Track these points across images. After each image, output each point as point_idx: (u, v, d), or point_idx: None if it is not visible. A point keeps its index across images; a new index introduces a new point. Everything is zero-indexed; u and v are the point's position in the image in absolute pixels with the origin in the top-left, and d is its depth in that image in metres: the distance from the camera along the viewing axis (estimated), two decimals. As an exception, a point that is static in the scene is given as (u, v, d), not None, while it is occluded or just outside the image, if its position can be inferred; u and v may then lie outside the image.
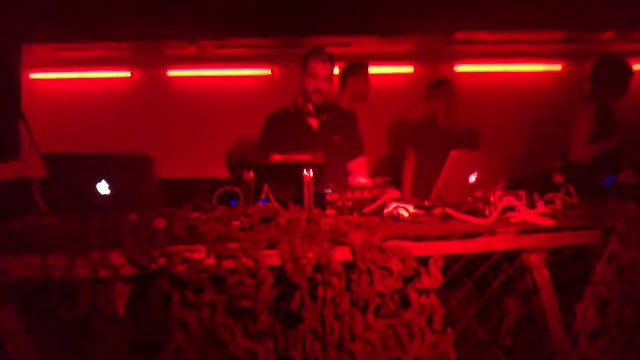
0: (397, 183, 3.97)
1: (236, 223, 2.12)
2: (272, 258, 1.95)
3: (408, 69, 6.40)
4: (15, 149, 2.50)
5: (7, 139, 2.42)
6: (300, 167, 2.49)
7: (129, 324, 1.92)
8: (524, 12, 5.42)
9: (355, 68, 4.64)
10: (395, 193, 2.74)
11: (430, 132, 4.59)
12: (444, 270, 2.05)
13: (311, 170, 2.48)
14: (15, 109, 2.44)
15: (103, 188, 2.30)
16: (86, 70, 6.25)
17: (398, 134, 5.16)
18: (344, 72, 4.64)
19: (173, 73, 6.35)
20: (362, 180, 3.00)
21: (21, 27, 2.48)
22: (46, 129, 2.79)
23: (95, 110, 6.09)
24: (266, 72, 6.41)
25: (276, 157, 2.59)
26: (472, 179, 2.68)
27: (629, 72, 4.26)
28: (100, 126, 5.93)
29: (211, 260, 1.90)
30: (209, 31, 5.62)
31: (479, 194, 2.48)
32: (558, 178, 3.35)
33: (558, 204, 2.56)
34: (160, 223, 2.08)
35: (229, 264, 1.91)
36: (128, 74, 6.36)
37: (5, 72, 2.40)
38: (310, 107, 3.44)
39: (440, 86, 4.64)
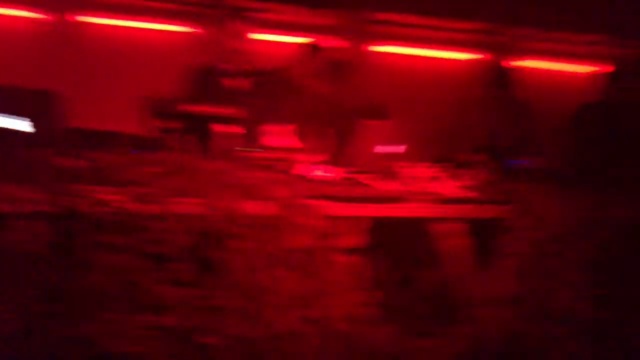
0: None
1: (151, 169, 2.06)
2: (187, 206, 1.91)
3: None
4: None
5: None
6: (220, 120, 2.46)
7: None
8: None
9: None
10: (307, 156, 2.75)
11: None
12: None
13: (229, 125, 2.45)
14: None
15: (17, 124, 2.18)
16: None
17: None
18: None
19: (89, 19, 6.06)
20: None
21: None
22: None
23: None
24: (186, 29, 6.23)
25: (196, 108, 2.55)
26: (397, 149, 2.73)
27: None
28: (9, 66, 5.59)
29: (126, 204, 1.85)
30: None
31: (403, 163, 2.53)
32: (476, 157, 3.44)
33: (479, 178, 2.63)
34: (79, 163, 2.01)
35: (143, 208, 1.86)
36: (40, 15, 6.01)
37: None
38: (228, 67, 3.43)
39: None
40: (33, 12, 5.95)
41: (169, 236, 1.85)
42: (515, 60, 6.64)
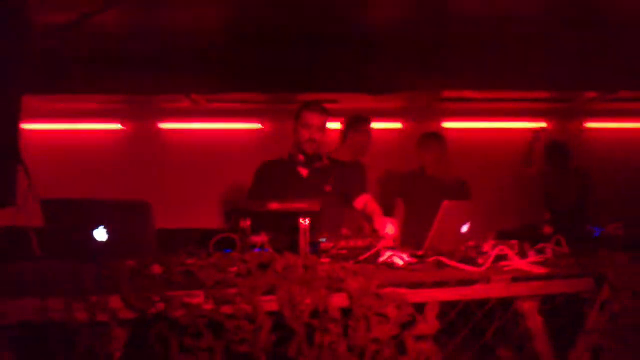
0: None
1: (233, 269, 2.14)
2: (270, 304, 1.96)
3: (397, 125, 6.53)
4: (12, 196, 2.51)
5: (4, 186, 2.43)
6: (296, 215, 2.52)
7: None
8: (509, 72, 5.59)
9: (356, 122, 4.70)
10: (389, 242, 2.78)
11: (419, 183, 4.66)
12: (440, 318, 2.08)
13: (307, 219, 2.51)
14: (14, 156, 2.47)
15: (100, 234, 2.31)
16: (78, 122, 6.31)
17: (387, 185, 5.23)
18: (345, 126, 4.73)
19: (165, 125, 6.43)
20: (390, 229, 3.00)
21: (22, 78, 2.53)
22: (39, 178, 2.82)
23: (87, 162, 6.13)
24: (257, 126, 6.51)
25: (273, 205, 2.62)
26: (464, 228, 2.72)
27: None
28: (91, 177, 5.95)
29: (209, 306, 1.91)
30: (201, 85, 5.72)
31: (471, 243, 2.52)
32: (547, 229, 3.41)
33: (549, 253, 2.60)
34: (157, 269, 2.10)
35: (227, 309, 1.92)
36: (119, 126, 6.43)
37: (6, 121, 2.44)
38: (301, 157, 3.50)
39: (430, 138, 4.73)
40: (107, 123, 6.38)
41: (255, 335, 1.89)
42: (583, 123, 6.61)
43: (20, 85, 2.52)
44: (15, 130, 2.52)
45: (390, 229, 2.98)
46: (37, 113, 6.10)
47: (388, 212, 4.81)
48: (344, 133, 4.69)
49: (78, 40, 4.78)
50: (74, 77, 5.41)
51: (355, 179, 3.86)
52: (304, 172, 3.54)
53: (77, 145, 6.28)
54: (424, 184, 4.63)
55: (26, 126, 6.05)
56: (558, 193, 5.28)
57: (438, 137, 4.78)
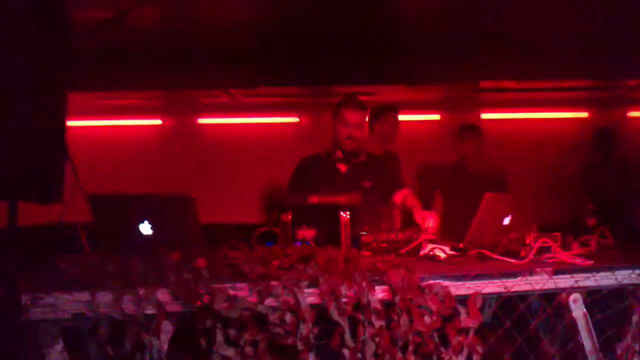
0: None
1: (276, 262, 2.16)
2: (313, 297, 1.98)
3: (435, 117, 6.48)
4: (60, 192, 2.57)
5: (52, 182, 2.49)
6: (336, 208, 2.53)
7: (173, 361, 1.95)
8: (549, 61, 5.51)
9: (381, 112, 4.68)
10: (429, 235, 2.78)
11: (458, 176, 4.63)
12: (483, 310, 2.07)
13: (347, 212, 2.53)
14: (62, 152, 2.53)
15: (145, 228, 2.36)
16: (119, 118, 6.42)
17: (425, 178, 5.20)
18: (370, 117, 4.69)
19: (203, 121, 6.49)
20: (430, 222, 3.00)
21: (67, 75, 2.59)
22: (83, 175, 2.88)
23: (128, 157, 6.22)
24: (294, 119, 6.53)
25: (314, 199, 2.64)
26: (506, 221, 2.70)
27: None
28: (132, 173, 6.04)
29: (254, 299, 1.94)
30: (239, 80, 5.76)
31: (513, 235, 2.51)
32: (591, 221, 3.35)
33: (593, 245, 2.56)
34: (202, 262, 2.13)
35: (270, 302, 1.94)
36: (159, 122, 6.52)
37: (54, 118, 2.49)
38: (339, 153, 3.50)
39: (469, 130, 4.70)
40: (147, 119, 6.48)
41: (298, 328, 1.91)
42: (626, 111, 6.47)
43: (65, 82, 2.57)
44: (62, 127, 2.57)
45: (430, 222, 2.97)
46: (79, 110, 6.22)
47: (427, 205, 4.81)
48: (370, 124, 4.65)
49: (117, 37, 4.86)
50: (113, 74, 5.52)
51: (392, 173, 3.84)
52: (342, 168, 3.54)
53: (119, 142, 6.38)
54: (463, 177, 4.60)
55: (69, 123, 6.18)
56: (600, 182, 5.19)
57: (476, 128, 4.73)
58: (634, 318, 2.21)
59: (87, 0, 4.04)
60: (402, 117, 4.79)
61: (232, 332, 1.91)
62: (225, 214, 5.60)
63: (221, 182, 6.12)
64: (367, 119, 4.59)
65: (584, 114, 6.53)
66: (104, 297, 1.88)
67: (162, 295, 1.92)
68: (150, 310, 1.90)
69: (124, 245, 2.27)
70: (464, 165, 4.64)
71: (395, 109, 4.71)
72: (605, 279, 2.22)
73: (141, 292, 1.90)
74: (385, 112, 4.67)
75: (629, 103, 6.48)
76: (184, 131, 6.47)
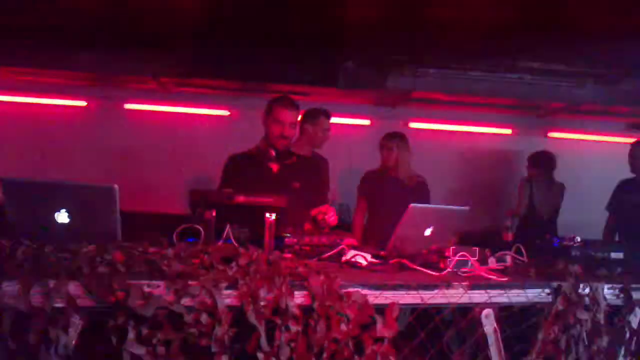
0: (348, 231, 4.03)
1: (196, 261, 2.12)
2: (231, 298, 1.95)
3: (365, 122, 6.55)
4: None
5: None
6: (262, 209, 2.51)
7: (80, 358, 1.88)
8: (477, 77, 5.68)
9: (314, 115, 4.68)
10: (352, 241, 2.79)
11: (382, 183, 4.69)
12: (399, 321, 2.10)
13: (273, 214, 2.51)
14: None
15: (62, 217, 2.27)
16: (42, 97, 6.18)
17: (351, 183, 5.24)
18: (303, 119, 4.67)
19: (130, 106, 6.33)
20: (325, 215, 3.01)
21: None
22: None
23: (48, 137, 6.01)
24: (224, 112, 6.46)
25: (240, 198, 2.61)
26: (428, 232, 2.75)
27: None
28: (53, 153, 5.84)
29: (170, 297, 1.89)
30: (170, 68, 5.65)
31: (434, 247, 2.55)
32: (508, 236, 3.46)
33: (509, 261, 2.64)
34: (119, 256, 2.06)
35: (187, 301, 1.90)
36: (84, 103, 6.30)
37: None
38: (272, 152, 3.46)
39: (393, 138, 4.74)
40: (71, 99, 6.27)
41: (214, 329, 1.88)
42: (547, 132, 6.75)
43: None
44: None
45: (325, 215, 3.02)
46: (2, 84, 5.97)
47: (351, 210, 4.85)
48: (301, 126, 4.64)
49: (47, 14, 4.66)
50: (40, 51, 5.30)
51: (322, 176, 3.86)
52: (274, 167, 3.51)
53: (41, 120, 6.15)
54: (387, 184, 4.65)
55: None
56: (542, 201, 5.41)
57: (401, 136, 4.78)
58: (539, 335, 2.29)
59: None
60: (332, 120, 4.80)
61: (144, 330, 1.86)
62: (149, 203, 5.50)
63: (146, 170, 5.99)
64: (299, 121, 4.60)
65: (507, 131, 6.76)
66: (10, 287, 1.79)
67: (74, 288, 1.84)
68: (59, 304, 1.82)
69: (38, 233, 2.16)
70: (388, 172, 4.69)
71: (328, 114, 4.72)
72: (517, 297, 2.29)
73: (51, 284, 1.82)
74: (318, 115, 4.67)
75: (549, 124, 6.76)
76: (109, 115, 6.29)
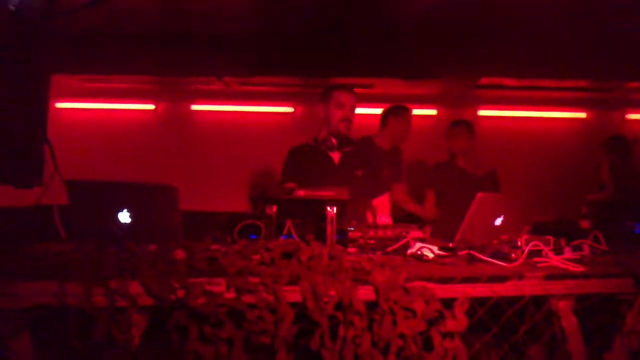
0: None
1: (257, 257, 2.08)
2: (293, 294, 1.90)
3: (431, 112, 6.41)
4: (39, 176, 2.49)
5: (31, 166, 2.42)
6: (323, 203, 2.45)
7: (143, 356, 1.87)
8: (549, 60, 5.43)
9: (398, 109, 4.74)
10: (418, 233, 2.70)
11: (451, 173, 4.56)
12: (469, 314, 1.99)
13: (334, 207, 2.45)
14: (41, 136, 2.44)
15: (124, 217, 2.28)
16: (111, 102, 6.34)
17: (419, 175, 5.12)
18: (386, 112, 4.71)
19: (197, 107, 6.41)
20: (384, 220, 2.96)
21: (51, 58, 2.50)
22: (70, 157, 2.80)
23: (118, 141, 6.16)
24: (289, 109, 6.45)
25: (300, 193, 2.56)
26: (498, 222, 2.63)
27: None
28: (122, 156, 5.97)
29: (231, 294, 1.86)
30: (234, 68, 5.68)
31: (504, 237, 2.43)
32: (585, 224, 3.28)
33: (586, 250, 2.49)
34: (180, 254, 2.05)
35: (248, 298, 1.86)
36: (152, 107, 6.43)
37: (34, 101, 2.41)
38: (334, 140, 3.40)
39: (460, 126, 4.62)
40: (140, 103, 6.39)
41: (276, 326, 1.84)
42: (625, 114, 6.41)
43: (48, 64, 2.48)
44: (43, 111, 2.49)
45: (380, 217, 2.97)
46: (72, 92, 6.14)
47: (419, 202, 4.75)
48: (383, 119, 4.68)
49: (110, 19, 4.76)
50: (107, 57, 5.42)
51: (395, 165, 3.83)
52: (335, 156, 3.46)
53: (111, 125, 6.31)
54: (455, 174, 4.52)
55: (59, 105, 6.10)
56: (622, 186, 5.11)
57: (467, 124, 4.65)
58: (623, 328, 2.14)
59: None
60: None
61: (207, 329, 1.83)
62: (215, 202, 5.54)
63: (212, 169, 6.05)
64: (382, 114, 4.64)
65: (582, 114, 6.47)
66: (73, 289, 1.79)
67: (135, 287, 1.84)
68: (122, 303, 1.82)
69: (100, 233, 2.18)
70: (456, 163, 4.56)
71: (410, 111, 4.77)
72: (596, 286, 2.14)
73: (113, 284, 1.82)
74: (402, 109, 4.75)
75: (627, 105, 6.42)
76: (176, 117, 6.40)
